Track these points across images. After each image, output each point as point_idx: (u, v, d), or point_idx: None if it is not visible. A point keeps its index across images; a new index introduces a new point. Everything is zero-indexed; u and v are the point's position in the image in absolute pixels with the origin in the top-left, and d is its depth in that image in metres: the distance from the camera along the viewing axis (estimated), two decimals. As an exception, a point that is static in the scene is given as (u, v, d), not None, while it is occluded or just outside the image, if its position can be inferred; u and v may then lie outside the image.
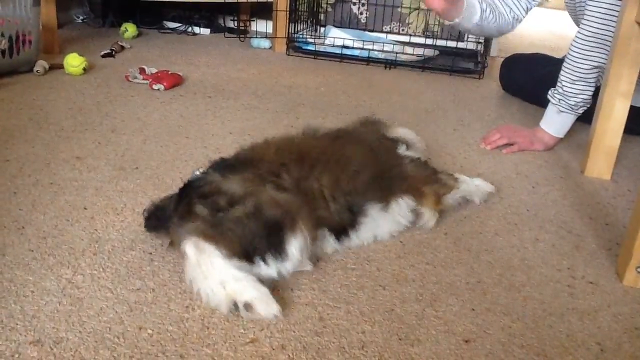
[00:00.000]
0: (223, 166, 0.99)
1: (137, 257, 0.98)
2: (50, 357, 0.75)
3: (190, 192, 0.96)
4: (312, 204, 0.96)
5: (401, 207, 1.07)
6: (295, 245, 0.89)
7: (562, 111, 1.55)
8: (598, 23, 1.43)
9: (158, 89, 1.90)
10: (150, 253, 0.99)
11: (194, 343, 0.79)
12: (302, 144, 1.08)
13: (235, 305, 0.83)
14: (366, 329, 0.84)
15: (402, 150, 1.21)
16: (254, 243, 0.88)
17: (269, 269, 0.89)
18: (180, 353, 0.77)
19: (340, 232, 1.01)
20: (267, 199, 0.91)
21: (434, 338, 0.83)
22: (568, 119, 1.57)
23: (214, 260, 0.85)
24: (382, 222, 1.05)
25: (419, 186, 1.11)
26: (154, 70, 2.02)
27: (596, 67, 1.47)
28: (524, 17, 1.75)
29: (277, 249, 0.88)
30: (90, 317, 0.82)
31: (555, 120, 1.58)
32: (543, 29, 1.83)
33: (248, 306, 0.83)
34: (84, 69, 2.01)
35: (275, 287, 0.91)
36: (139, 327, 0.81)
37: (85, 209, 1.12)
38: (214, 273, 0.85)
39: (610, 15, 1.41)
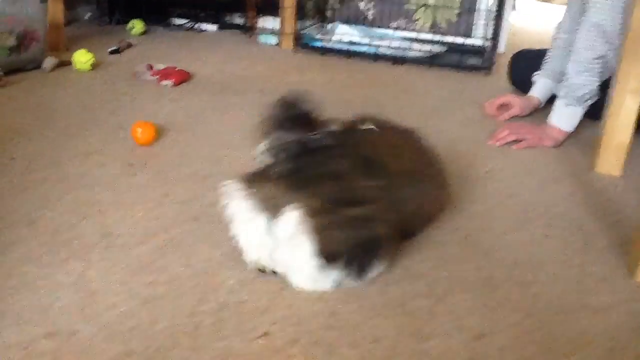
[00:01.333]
0: (364, 160, 0.97)
1: (148, 251, 0.98)
2: (65, 349, 0.75)
3: (315, 167, 0.93)
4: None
5: None
6: (375, 271, 0.93)
7: (569, 104, 1.55)
8: (599, 13, 1.48)
9: (166, 85, 1.91)
10: (162, 247, 0.99)
11: (206, 337, 0.79)
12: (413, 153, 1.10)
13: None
14: (378, 323, 0.84)
15: None
16: (350, 251, 0.89)
17: (335, 277, 0.89)
18: (193, 346, 0.77)
19: None
20: (383, 211, 0.92)
21: (445, 333, 0.83)
22: (576, 113, 1.57)
23: (307, 254, 0.87)
24: None
25: None
26: (161, 67, 2.03)
27: (600, 57, 1.50)
28: None
29: (363, 267, 0.91)
30: (103, 310, 0.83)
31: (563, 115, 1.58)
32: (551, 25, 1.83)
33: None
34: (92, 65, 2.01)
35: (287, 283, 0.91)
36: (152, 321, 0.81)
37: (94, 204, 1.13)
38: (301, 263, 0.88)
39: (611, 5, 1.46)
